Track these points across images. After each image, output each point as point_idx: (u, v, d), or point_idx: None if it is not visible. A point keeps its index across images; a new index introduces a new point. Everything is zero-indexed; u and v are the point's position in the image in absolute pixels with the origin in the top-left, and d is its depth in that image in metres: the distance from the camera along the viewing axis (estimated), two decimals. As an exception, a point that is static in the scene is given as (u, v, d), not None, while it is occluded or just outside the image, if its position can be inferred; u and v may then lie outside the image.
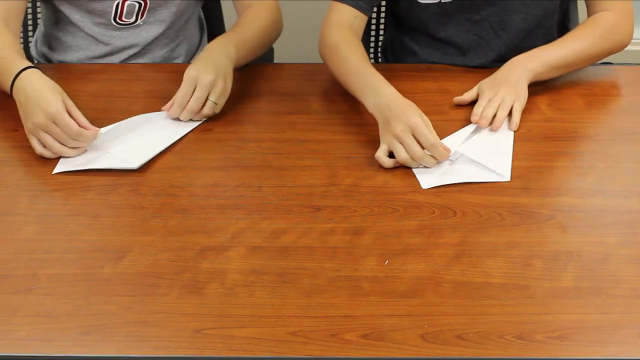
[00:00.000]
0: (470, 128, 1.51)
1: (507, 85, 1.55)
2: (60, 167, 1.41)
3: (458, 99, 1.60)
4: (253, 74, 1.63)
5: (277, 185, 1.38)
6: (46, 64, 1.85)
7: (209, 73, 1.51)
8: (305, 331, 1.10)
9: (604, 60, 1.71)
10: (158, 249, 1.24)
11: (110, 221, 1.30)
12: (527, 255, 1.23)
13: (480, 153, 1.44)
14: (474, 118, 1.52)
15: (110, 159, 1.43)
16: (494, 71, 1.61)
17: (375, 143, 1.48)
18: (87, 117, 1.45)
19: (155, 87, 1.60)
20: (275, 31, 1.77)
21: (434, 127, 1.42)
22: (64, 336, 1.09)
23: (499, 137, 1.50)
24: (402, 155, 1.40)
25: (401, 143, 1.40)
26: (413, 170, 1.41)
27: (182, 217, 1.31)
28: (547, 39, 1.69)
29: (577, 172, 1.44)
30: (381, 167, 1.42)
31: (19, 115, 1.47)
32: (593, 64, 1.68)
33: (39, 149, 1.44)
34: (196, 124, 1.55)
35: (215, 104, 1.53)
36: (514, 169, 1.42)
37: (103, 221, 1.30)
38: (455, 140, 1.47)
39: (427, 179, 1.39)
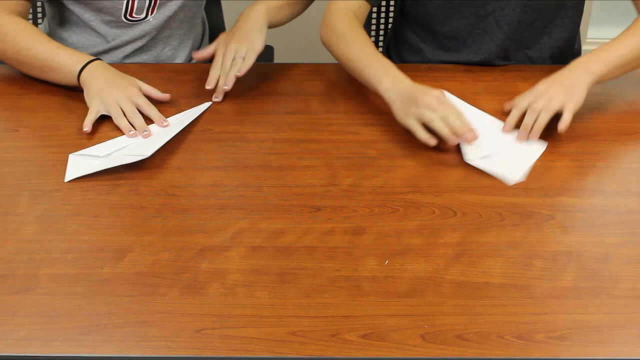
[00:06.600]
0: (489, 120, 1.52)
1: (561, 85, 1.49)
2: (71, 174, 1.39)
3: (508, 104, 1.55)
4: (253, 74, 1.62)
5: (277, 185, 1.38)
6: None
7: (223, 34, 1.68)
8: (305, 331, 1.10)
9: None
10: (158, 249, 1.24)
11: (110, 221, 1.30)
12: (527, 255, 1.23)
13: (513, 152, 1.45)
14: (506, 127, 1.49)
15: (121, 156, 1.43)
16: (495, 68, 1.60)
17: (375, 143, 1.48)
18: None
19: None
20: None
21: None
22: (64, 336, 1.09)
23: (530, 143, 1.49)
24: (430, 115, 1.43)
25: (429, 109, 1.43)
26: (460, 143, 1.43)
27: (182, 217, 1.31)
28: (547, 31, 1.71)
29: (577, 172, 1.44)
30: (381, 167, 1.42)
31: (21, 114, 1.46)
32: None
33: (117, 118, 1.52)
34: (199, 112, 1.57)
35: (244, 57, 1.62)
36: (514, 169, 1.43)
37: (103, 221, 1.30)
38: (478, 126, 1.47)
39: (471, 153, 1.41)
